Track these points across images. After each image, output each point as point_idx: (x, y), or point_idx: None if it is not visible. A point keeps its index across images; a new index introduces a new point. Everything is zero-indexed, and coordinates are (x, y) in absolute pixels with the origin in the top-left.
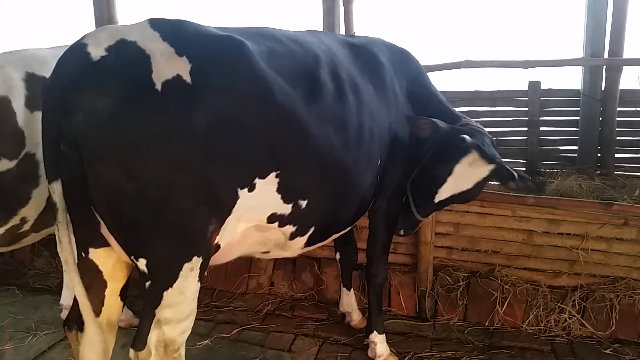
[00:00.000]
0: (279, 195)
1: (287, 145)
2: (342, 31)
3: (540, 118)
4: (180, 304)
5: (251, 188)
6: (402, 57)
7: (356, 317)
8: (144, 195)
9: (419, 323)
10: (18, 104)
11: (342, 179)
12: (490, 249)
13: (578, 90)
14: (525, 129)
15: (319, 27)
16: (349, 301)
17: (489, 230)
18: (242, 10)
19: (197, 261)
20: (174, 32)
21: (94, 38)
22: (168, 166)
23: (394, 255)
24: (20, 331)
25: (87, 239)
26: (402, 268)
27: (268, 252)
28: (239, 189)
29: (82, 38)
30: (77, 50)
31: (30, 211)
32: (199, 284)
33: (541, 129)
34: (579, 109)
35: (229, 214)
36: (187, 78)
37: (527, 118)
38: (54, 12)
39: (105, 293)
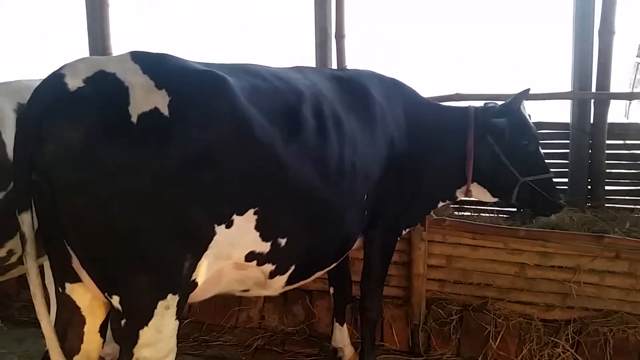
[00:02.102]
0: (257, 233)
1: (266, 182)
2: (334, 65)
3: None
4: (158, 342)
5: (229, 224)
6: (394, 85)
7: (348, 353)
8: (115, 229)
9: (412, 358)
10: (8, 135)
11: (323, 216)
12: (482, 281)
13: (567, 123)
14: None
15: (312, 60)
16: (342, 336)
17: (481, 263)
18: (237, 45)
19: (172, 299)
20: (155, 65)
21: (72, 68)
22: (141, 200)
23: (386, 287)
24: None
25: (62, 273)
26: (394, 301)
27: (248, 290)
28: (215, 225)
29: (61, 68)
30: (54, 80)
31: (18, 244)
32: (177, 322)
33: None
34: (568, 141)
35: (205, 249)
36: (165, 111)
37: None
38: (48, 43)
39: (85, 329)
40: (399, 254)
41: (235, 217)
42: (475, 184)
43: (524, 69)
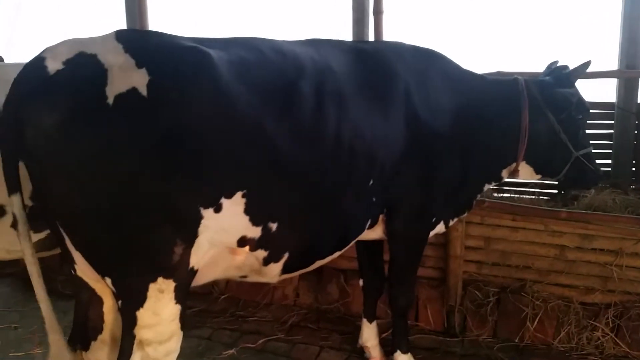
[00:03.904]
0: (247, 217)
1: (254, 163)
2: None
3: None
4: (157, 325)
5: (217, 208)
6: (430, 58)
7: (376, 355)
8: (96, 212)
9: (447, 339)
10: None
11: (315, 200)
12: (521, 264)
13: (612, 103)
14: None
15: (349, 36)
16: (370, 334)
17: (520, 245)
18: (272, 21)
19: (166, 283)
20: (138, 44)
21: (52, 51)
22: (118, 183)
23: (422, 268)
24: None
25: (68, 255)
26: (430, 282)
27: (246, 276)
28: (202, 209)
29: (42, 52)
30: (35, 64)
31: None
32: (178, 306)
33: None
34: (613, 122)
35: (195, 235)
36: (144, 91)
37: None
38: (85, 22)
39: (104, 309)
40: (436, 235)
41: (223, 200)
42: (523, 162)
43: (568, 46)
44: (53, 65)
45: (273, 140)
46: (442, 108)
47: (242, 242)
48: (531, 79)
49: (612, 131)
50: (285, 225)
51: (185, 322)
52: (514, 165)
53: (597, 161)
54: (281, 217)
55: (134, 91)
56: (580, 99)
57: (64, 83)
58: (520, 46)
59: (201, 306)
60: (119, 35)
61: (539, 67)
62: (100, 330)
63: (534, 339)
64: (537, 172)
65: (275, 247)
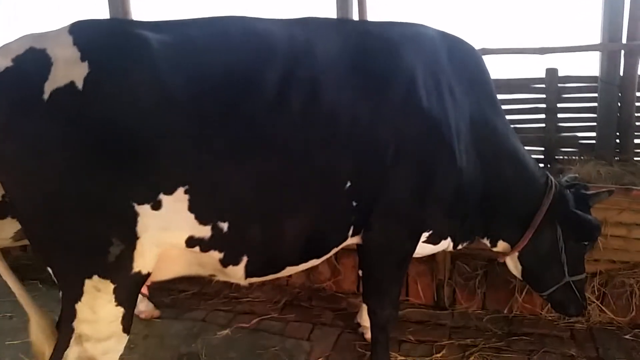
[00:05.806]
0: (193, 215)
1: (195, 158)
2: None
3: (558, 105)
4: (95, 322)
5: (155, 205)
6: (455, 51)
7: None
8: (33, 206)
9: (437, 311)
10: None
11: (275, 202)
12: None
13: (596, 76)
14: (543, 116)
15: (333, 16)
16: (367, 316)
17: None
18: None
19: (101, 282)
20: (88, 35)
21: (4, 48)
22: (49, 178)
23: None
24: None
25: None
26: (419, 257)
27: (215, 275)
28: (135, 205)
29: None
30: None
31: None
32: (120, 309)
33: (559, 116)
34: (596, 95)
35: (135, 234)
36: (80, 85)
37: (544, 105)
38: (68, 10)
39: None
40: None
41: (162, 196)
42: (515, 255)
43: (552, 20)
44: (2, 63)
45: (220, 133)
46: (455, 119)
47: (191, 242)
48: (560, 188)
49: (595, 104)
50: (239, 227)
51: (181, 305)
52: (508, 249)
53: (582, 134)
54: (233, 218)
55: (71, 85)
56: (592, 225)
57: (7, 80)
58: (505, 22)
59: (195, 289)
60: (73, 27)
61: (523, 43)
62: None
63: (522, 310)
64: (522, 277)
65: (230, 249)
